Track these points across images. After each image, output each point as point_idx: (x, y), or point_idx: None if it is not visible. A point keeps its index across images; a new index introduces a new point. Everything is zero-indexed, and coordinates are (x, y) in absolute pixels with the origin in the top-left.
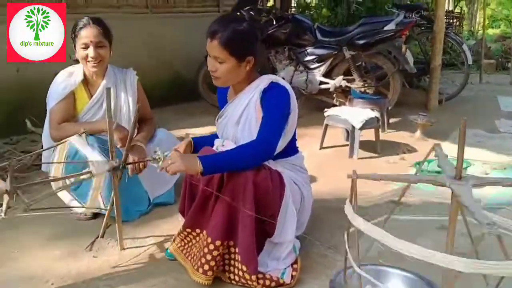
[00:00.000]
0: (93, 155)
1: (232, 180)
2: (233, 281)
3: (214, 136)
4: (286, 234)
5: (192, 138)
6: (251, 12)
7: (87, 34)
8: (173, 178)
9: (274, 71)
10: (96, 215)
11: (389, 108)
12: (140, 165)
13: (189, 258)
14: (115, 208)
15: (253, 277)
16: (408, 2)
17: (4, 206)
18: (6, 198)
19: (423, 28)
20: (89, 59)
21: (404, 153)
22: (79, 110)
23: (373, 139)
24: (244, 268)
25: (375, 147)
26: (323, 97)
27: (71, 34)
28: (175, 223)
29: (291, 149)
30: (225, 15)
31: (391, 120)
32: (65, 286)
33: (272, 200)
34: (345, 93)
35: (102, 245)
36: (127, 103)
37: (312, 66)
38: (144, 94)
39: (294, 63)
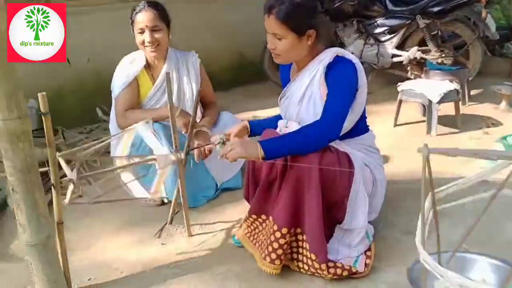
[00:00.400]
0: (157, 148)
1: (296, 164)
2: (302, 270)
3: (274, 118)
4: (358, 220)
5: (248, 121)
6: None
7: (142, 18)
8: (239, 162)
9: (343, 46)
10: (164, 201)
11: (470, 79)
12: (206, 151)
13: (257, 245)
14: (181, 195)
15: (323, 266)
16: None
17: (68, 195)
18: (71, 187)
19: None
20: (146, 44)
21: (489, 127)
22: (143, 96)
23: (453, 113)
24: (313, 257)
25: (455, 122)
26: (396, 71)
27: (130, 20)
28: (242, 208)
29: (361, 128)
30: None
31: (472, 92)
32: (135, 274)
33: (340, 184)
34: (420, 66)
35: (171, 232)
36: (190, 87)
37: (384, 38)
38: (207, 77)
39: (363, 36)
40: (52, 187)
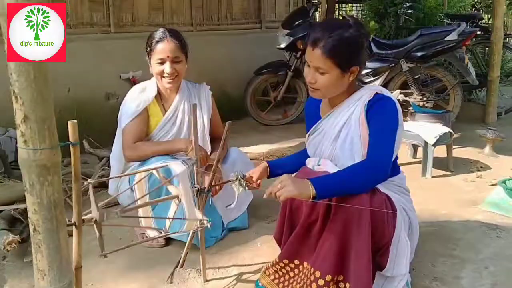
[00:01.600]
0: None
1: (344, 205)
2: None
3: (294, 157)
4: (400, 267)
5: (267, 162)
6: (303, 26)
7: (164, 48)
8: (246, 201)
9: None
10: (168, 242)
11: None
12: (217, 187)
13: None
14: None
15: None
16: (461, 11)
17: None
18: (98, 229)
19: (478, 38)
20: (165, 74)
21: (479, 170)
22: (153, 127)
23: (441, 155)
24: None
25: (446, 165)
26: None
27: (146, 47)
28: (254, 251)
29: (394, 169)
30: (329, 20)
31: (454, 136)
32: None
33: (387, 228)
34: (402, 108)
35: (183, 276)
36: (201, 119)
37: (367, 80)
38: (217, 110)
39: None
40: (74, 226)
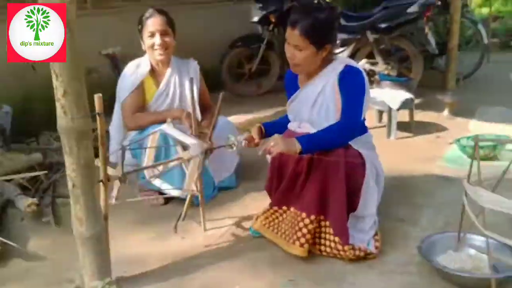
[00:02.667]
0: (188, 139)
1: (324, 157)
2: (323, 252)
3: (282, 119)
4: (369, 208)
5: (262, 123)
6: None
7: (153, 23)
8: (234, 162)
9: None
10: (167, 201)
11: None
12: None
13: (279, 233)
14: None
15: (346, 247)
16: None
17: (115, 192)
18: (117, 184)
19: (440, 9)
20: (156, 46)
21: (438, 131)
22: (148, 99)
23: (405, 120)
24: (337, 239)
25: (409, 127)
26: None
27: (138, 25)
28: (244, 205)
29: (363, 129)
30: (305, 3)
31: (416, 101)
32: (167, 265)
33: (357, 175)
34: (369, 76)
35: (186, 228)
36: (191, 91)
37: (336, 51)
38: (204, 83)
39: None
40: (101, 183)
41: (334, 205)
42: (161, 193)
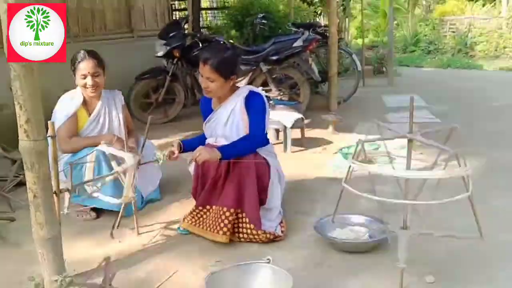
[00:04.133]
0: (124, 154)
1: (239, 163)
2: (241, 239)
3: (196, 138)
4: (275, 201)
5: (181, 141)
6: (178, 36)
7: (85, 66)
8: (158, 177)
9: (199, 88)
10: (98, 216)
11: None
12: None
13: (205, 228)
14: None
15: (259, 232)
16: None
17: (66, 202)
18: (67, 196)
19: (320, 42)
20: (88, 86)
21: (324, 145)
22: (80, 126)
23: (298, 136)
24: (252, 226)
25: (301, 143)
26: None
27: (71, 66)
28: (169, 213)
29: (266, 140)
30: (213, 45)
31: (305, 121)
32: (112, 262)
33: (264, 176)
34: None
35: (121, 234)
36: (117, 118)
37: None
38: (127, 110)
39: None
40: (54, 195)
41: (249, 199)
42: (92, 209)
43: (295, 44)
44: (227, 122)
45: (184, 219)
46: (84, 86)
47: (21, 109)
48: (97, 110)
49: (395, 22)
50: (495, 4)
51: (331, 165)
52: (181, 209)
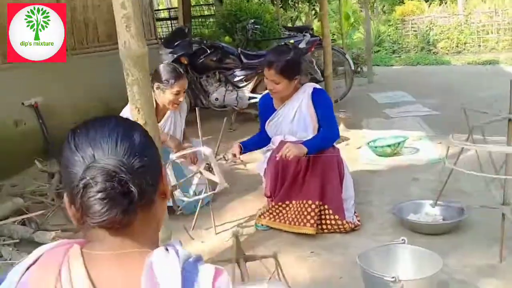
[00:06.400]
0: (199, 148)
1: (321, 158)
2: (325, 230)
3: (257, 138)
4: (349, 191)
5: (240, 142)
6: (183, 44)
7: (181, 84)
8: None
9: (206, 93)
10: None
11: None
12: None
13: (287, 222)
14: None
15: (344, 222)
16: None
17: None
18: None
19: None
20: (176, 102)
21: (344, 140)
22: None
23: None
24: (337, 217)
25: None
26: (252, 110)
27: (163, 81)
28: (234, 211)
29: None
30: (277, 47)
31: None
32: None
33: (341, 168)
34: None
35: (198, 234)
36: (180, 125)
37: (241, 85)
38: None
39: (223, 84)
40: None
41: (332, 191)
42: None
43: (299, 46)
44: (294, 119)
45: (261, 216)
46: (174, 101)
47: (139, 112)
48: (166, 118)
49: (354, 23)
50: (446, 3)
51: (364, 159)
52: (242, 207)
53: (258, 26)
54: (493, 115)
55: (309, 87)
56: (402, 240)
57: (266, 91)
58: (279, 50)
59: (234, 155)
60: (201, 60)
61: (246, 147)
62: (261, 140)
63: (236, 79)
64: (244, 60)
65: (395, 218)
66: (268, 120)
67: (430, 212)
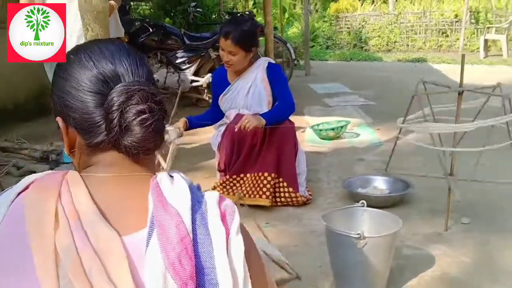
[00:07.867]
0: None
1: (278, 129)
2: (278, 203)
3: (204, 114)
4: (302, 166)
5: (186, 118)
6: (124, 22)
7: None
8: None
9: None
10: None
11: None
12: None
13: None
14: None
15: (298, 194)
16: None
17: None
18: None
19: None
20: None
21: None
22: None
23: None
24: (291, 190)
25: None
26: (194, 94)
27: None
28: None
29: None
30: (234, 17)
31: None
32: None
33: (295, 141)
34: (210, 89)
35: None
36: None
37: (184, 67)
38: None
39: (165, 66)
40: None
41: (287, 163)
42: None
43: None
44: (249, 92)
45: (214, 188)
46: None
47: None
48: None
49: (290, 18)
50: (377, 4)
51: (307, 141)
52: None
53: (200, 10)
54: (443, 87)
55: (264, 61)
56: (362, 203)
57: (209, 74)
58: (236, 20)
59: (179, 129)
60: (142, 40)
61: (192, 122)
62: (211, 115)
63: (178, 60)
64: (187, 42)
65: (344, 193)
66: (222, 94)
67: (378, 186)
